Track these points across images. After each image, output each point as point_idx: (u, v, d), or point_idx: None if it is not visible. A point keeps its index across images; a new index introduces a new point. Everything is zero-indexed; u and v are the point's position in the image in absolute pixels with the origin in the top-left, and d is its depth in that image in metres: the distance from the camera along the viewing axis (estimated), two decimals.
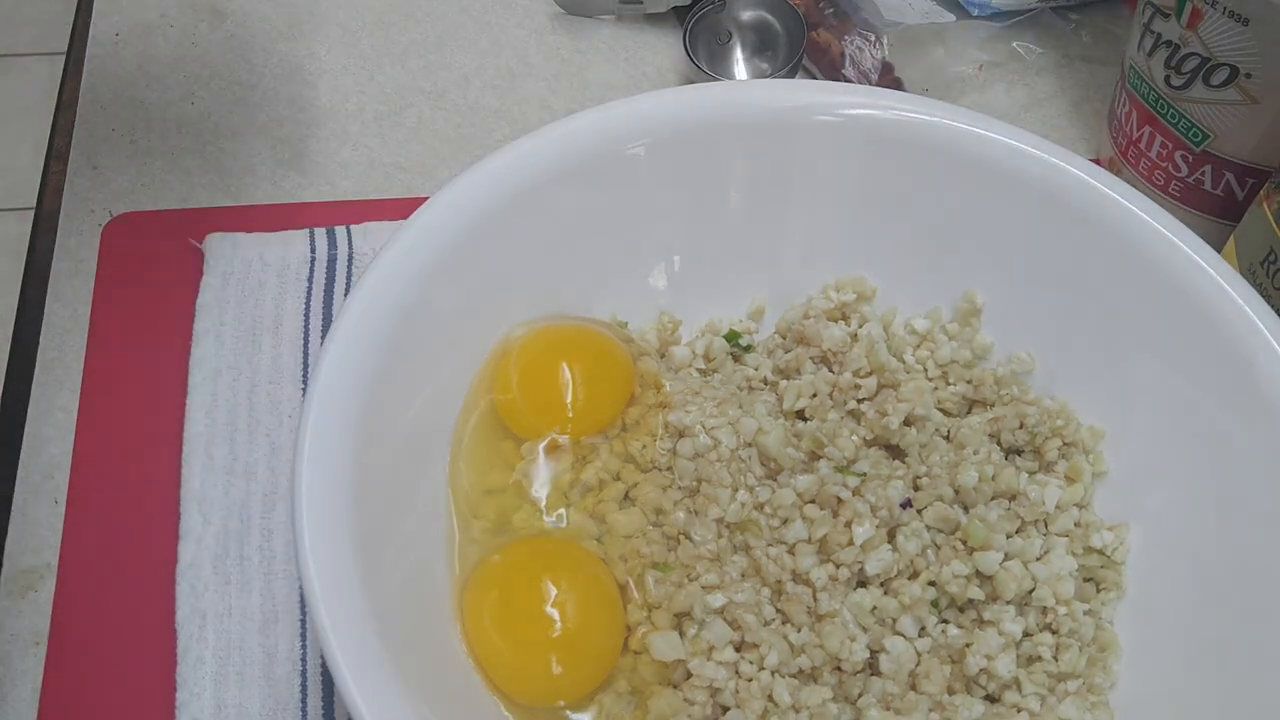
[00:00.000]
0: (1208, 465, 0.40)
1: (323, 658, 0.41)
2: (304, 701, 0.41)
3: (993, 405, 0.44)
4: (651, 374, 0.43)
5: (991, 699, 0.39)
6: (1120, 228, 0.41)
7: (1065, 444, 0.43)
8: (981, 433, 0.42)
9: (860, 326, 0.46)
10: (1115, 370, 0.43)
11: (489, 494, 0.41)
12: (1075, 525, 0.42)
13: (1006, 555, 0.40)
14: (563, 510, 0.40)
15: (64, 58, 0.62)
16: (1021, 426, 0.43)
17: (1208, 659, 0.38)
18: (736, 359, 0.47)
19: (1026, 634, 0.39)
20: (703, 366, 0.46)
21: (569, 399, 0.42)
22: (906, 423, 0.42)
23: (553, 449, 0.41)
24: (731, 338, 0.47)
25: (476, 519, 0.40)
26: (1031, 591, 0.40)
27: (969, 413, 0.44)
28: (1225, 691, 0.36)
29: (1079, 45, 0.64)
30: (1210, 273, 0.40)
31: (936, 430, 0.43)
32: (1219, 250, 0.42)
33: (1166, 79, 0.51)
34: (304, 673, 0.42)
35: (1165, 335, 0.41)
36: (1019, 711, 0.38)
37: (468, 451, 0.41)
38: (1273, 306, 0.39)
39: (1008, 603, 0.39)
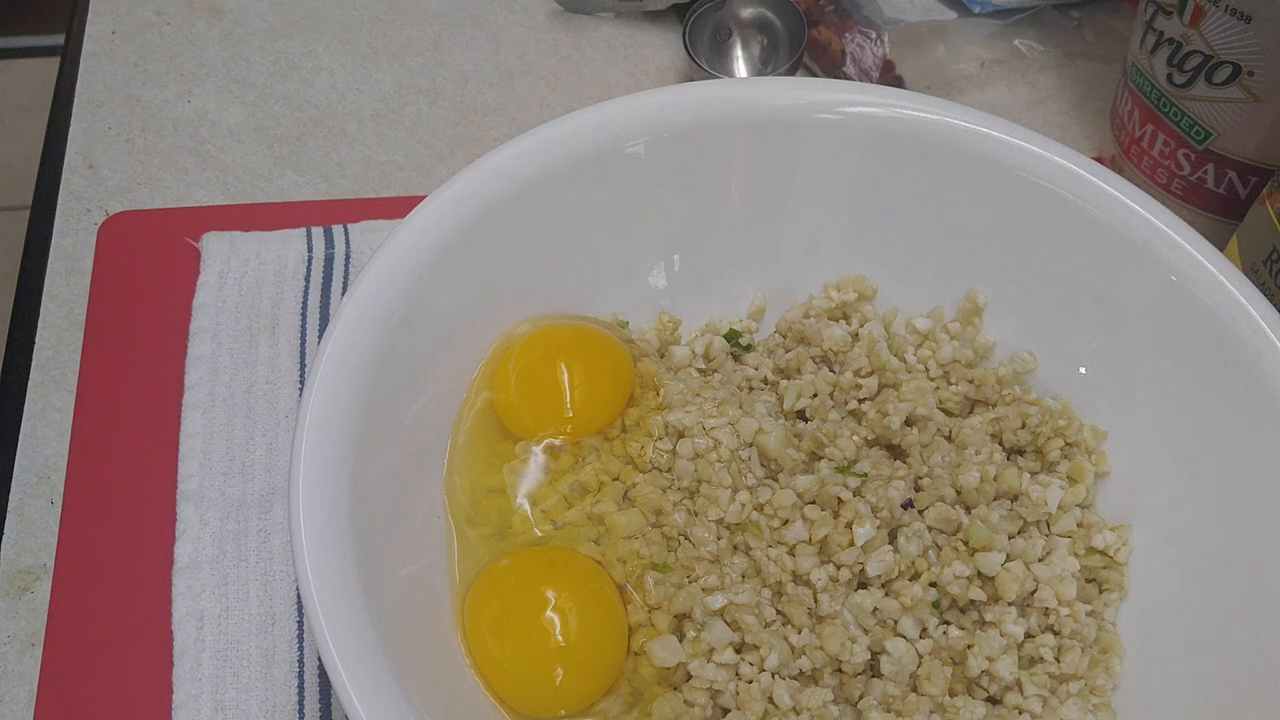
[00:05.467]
0: (1211, 465, 0.39)
1: (320, 660, 0.40)
2: (301, 703, 0.41)
3: (995, 405, 0.44)
4: (651, 375, 0.43)
5: (993, 701, 0.39)
6: (1123, 226, 0.41)
7: (1067, 444, 0.43)
8: (983, 433, 0.42)
9: (861, 326, 0.46)
10: (1118, 370, 0.43)
11: (490, 494, 0.40)
12: (1077, 526, 0.41)
13: (1008, 556, 0.39)
14: (561, 512, 0.40)
15: (60, 56, 0.62)
16: (1023, 426, 0.42)
17: (1211, 660, 0.37)
18: (737, 359, 0.47)
19: (1029, 635, 0.39)
20: (703, 366, 0.46)
21: (568, 400, 0.41)
22: (908, 423, 0.42)
23: (551, 449, 0.41)
24: (731, 337, 0.47)
25: (475, 525, 0.40)
26: (1033, 593, 0.39)
27: (971, 413, 0.44)
28: (1228, 693, 0.36)
29: (1081, 43, 0.64)
30: (1213, 271, 0.39)
31: (938, 430, 0.42)
32: (1222, 249, 0.42)
33: (1169, 77, 0.50)
34: (301, 674, 0.42)
35: (1168, 334, 0.41)
36: (1020, 713, 0.38)
37: (465, 452, 0.41)
38: (1276, 305, 0.39)
39: (1009, 604, 0.39)
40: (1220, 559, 0.38)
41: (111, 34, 0.62)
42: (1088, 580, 0.41)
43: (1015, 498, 0.41)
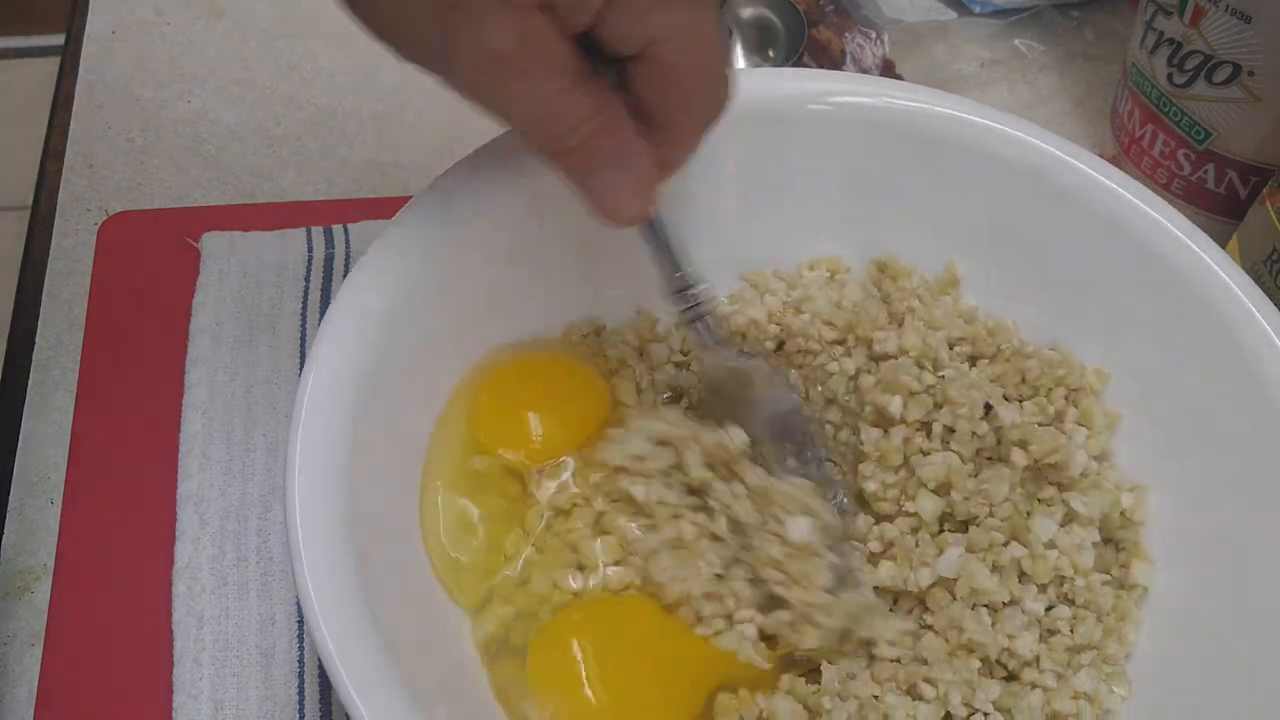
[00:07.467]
0: (1210, 464, 0.39)
1: (320, 660, 0.40)
2: (301, 703, 0.41)
3: (993, 359, 0.44)
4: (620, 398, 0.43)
5: (1011, 677, 0.38)
6: (1124, 224, 0.41)
7: (1071, 390, 0.42)
8: (1006, 482, 0.40)
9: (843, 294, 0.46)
10: (1118, 369, 0.43)
11: (466, 526, 0.40)
12: (1095, 486, 0.41)
13: (1051, 544, 0.39)
14: (539, 535, 0.40)
15: (60, 56, 0.62)
16: (1023, 381, 0.42)
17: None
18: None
19: (1046, 608, 0.39)
20: (680, 360, 0.46)
21: (536, 435, 0.42)
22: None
23: (526, 474, 0.41)
24: None
25: (459, 552, 0.40)
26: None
27: (972, 367, 0.44)
28: (1246, 658, 0.36)
29: (1081, 43, 0.64)
30: (1215, 269, 0.39)
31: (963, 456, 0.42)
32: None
33: (1169, 77, 0.50)
34: (301, 674, 0.42)
35: (1169, 334, 0.41)
36: (1034, 688, 0.38)
37: (440, 491, 0.40)
38: (1276, 305, 0.39)
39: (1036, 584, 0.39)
40: (1225, 571, 0.38)
41: (111, 34, 0.62)
42: (1105, 541, 0.41)
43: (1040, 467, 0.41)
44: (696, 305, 0.39)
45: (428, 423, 0.40)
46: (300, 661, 0.42)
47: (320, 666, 0.42)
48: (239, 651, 0.42)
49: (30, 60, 1.48)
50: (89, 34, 0.62)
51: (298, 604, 0.43)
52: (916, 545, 0.39)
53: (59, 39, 0.63)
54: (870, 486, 0.40)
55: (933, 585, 0.39)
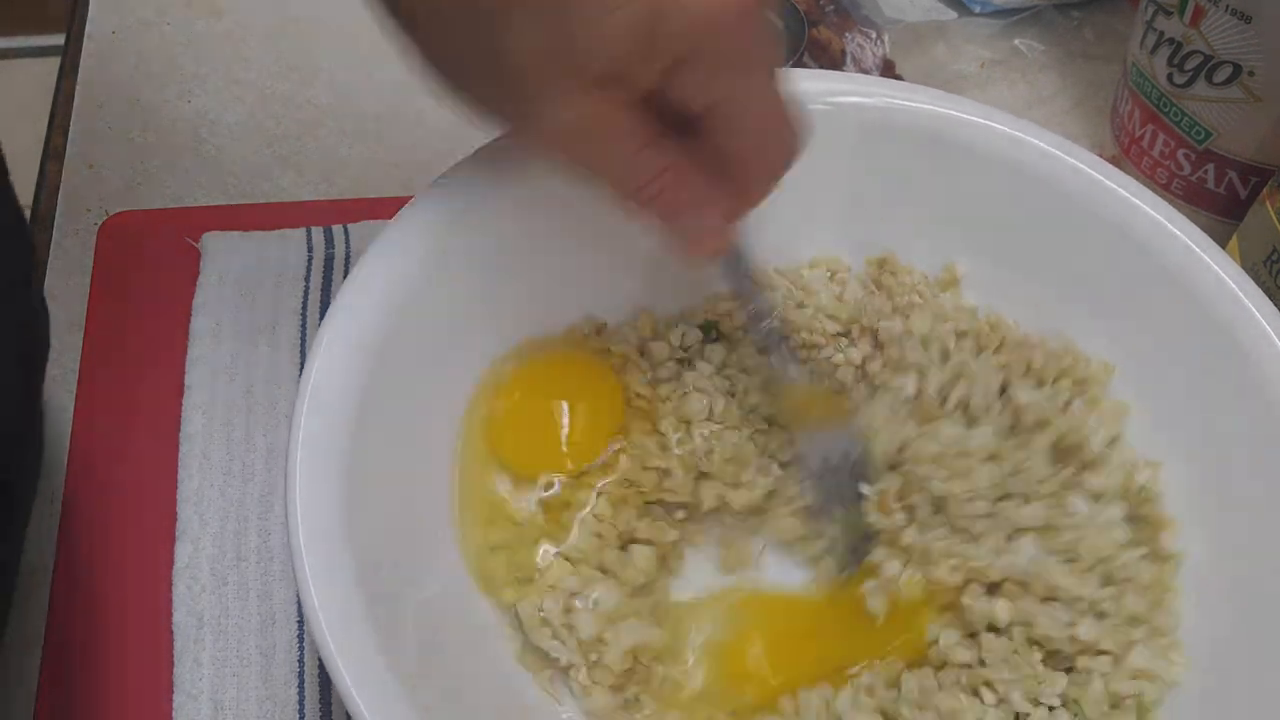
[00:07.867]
0: (1210, 466, 0.39)
1: (320, 659, 0.40)
2: (301, 703, 0.41)
3: (997, 349, 0.44)
4: (636, 388, 0.43)
5: (1069, 667, 0.38)
6: (1124, 224, 0.41)
7: (1076, 382, 0.42)
8: (1044, 457, 0.41)
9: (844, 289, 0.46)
10: (1117, 368, 0.43)
11: (495, 550, 0.40)
12: (1115, 465, 0.41)
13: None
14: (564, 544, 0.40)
15: (60, 56, 0.62)
16: (1029, 371, 0.42)
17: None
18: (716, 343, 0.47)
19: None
20: (681, 356, 0.46)
21: (563, 438, 0.42)
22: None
23: (548, 486, 0.41)
24: (708, 328, 0.46)
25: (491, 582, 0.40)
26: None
27: (977, 355, 0.44)
28: None
29: (1081, 42, 0.64)
30: (1217, 271, 0.39)
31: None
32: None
33: (1169, 77, 0.50)
34: (301, 674, 0.42)
35: (1168, 335, 0.41)
36: (1094, 673, 0.37)
37: (463, 509, 0.40)
38: (1276, 305, 0.39)
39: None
40: (1223, 567, 0.38)
41: (111, 34, 0.62)
42: (1128, 518, 0.41)
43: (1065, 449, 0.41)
44: (771, 333, 0.41)
45: (429, 422, 0.40)
46: (300, 661, 0.42)
47: (320, 666, 0.42)
48: (239, 651, 0.42)
49: (30, 60, 1.48)
50: (89, 34, 0.62)
51: (298, 604, 0.43)
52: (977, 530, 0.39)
53: (59, 39, 0.63)
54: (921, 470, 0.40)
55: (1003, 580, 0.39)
